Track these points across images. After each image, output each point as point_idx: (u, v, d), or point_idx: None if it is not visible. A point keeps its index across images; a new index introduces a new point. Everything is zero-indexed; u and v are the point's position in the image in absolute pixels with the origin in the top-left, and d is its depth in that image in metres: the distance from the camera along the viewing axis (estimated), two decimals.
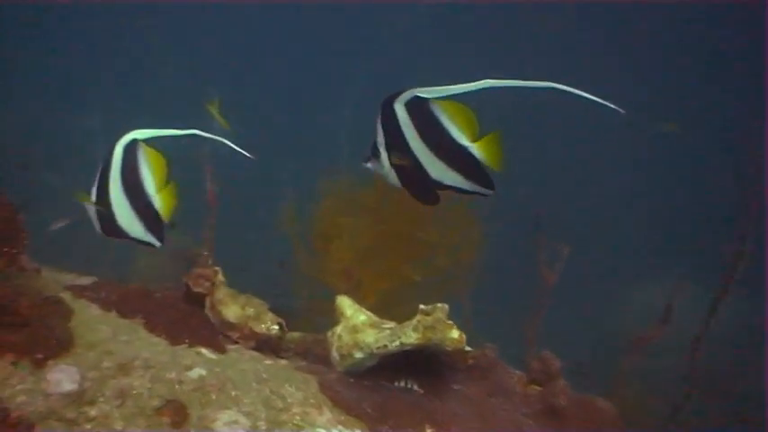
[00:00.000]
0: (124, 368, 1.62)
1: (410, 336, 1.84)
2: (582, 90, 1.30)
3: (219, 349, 1.88)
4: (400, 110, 1.48)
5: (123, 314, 1.87)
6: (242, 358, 1.93)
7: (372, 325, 1.97)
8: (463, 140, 1.44)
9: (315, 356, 2.25)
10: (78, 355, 1.62)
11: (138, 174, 1.61)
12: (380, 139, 1.54)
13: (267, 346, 2.15)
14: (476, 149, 1.44)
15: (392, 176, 1.57)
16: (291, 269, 2.75)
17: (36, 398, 1.47)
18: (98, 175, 1.65)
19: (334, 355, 1.98)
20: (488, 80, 1.34)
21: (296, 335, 2.33)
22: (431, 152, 1.48)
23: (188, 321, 1.93)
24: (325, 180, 2.67)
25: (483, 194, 1.52)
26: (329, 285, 2.60)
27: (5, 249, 1.69)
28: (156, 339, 1.82)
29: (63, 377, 1.52)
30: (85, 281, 2.08)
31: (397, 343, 1.85)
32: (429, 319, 1.86)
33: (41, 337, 1.57)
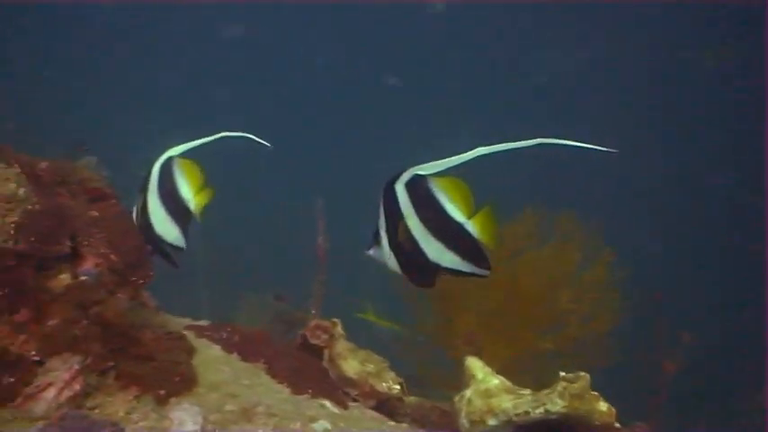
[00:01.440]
0: (247, 413, 1.49)
1: (556, 403, 1.64)
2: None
3: (342, 404, 1.73)
4: (401, 191, 1.42)
5: (245, 357, 1.76)
6: (364, 417, 1.77)
7: (507, 390, 1.77)
8: (459, 217, 1.39)
9: (432, 424, 2.07)
10: (200, 395, 1.51)
11: (173, 184, 1.70)
12: (382, 223, 1.48)
13: (385, 406, 1.98)
14: (471, 226, 1.39)
15: (393, 262, 1.51)
16: (405, 330, 2.59)
17: None
18: (140, 195, 1.74)
19: (463, 421, 1.79)
20: (480, 148, 1.30)
21: (412, 399, 2.16)
22: (428, 232, 1.43)
23: (308, 371, 1.80)
24: None
25: (479, 276, 1.47)
26: (448, 350, 2.41)
27: (133, 279, 1.61)
28: (278, 386, 1.69)
29: (186, 417, 1.40)
30: (203, 322, 1.99)
31: (542, 410, 1.64)
32: (576, 386, 1.66)
33: (165, 372, 1.47)
